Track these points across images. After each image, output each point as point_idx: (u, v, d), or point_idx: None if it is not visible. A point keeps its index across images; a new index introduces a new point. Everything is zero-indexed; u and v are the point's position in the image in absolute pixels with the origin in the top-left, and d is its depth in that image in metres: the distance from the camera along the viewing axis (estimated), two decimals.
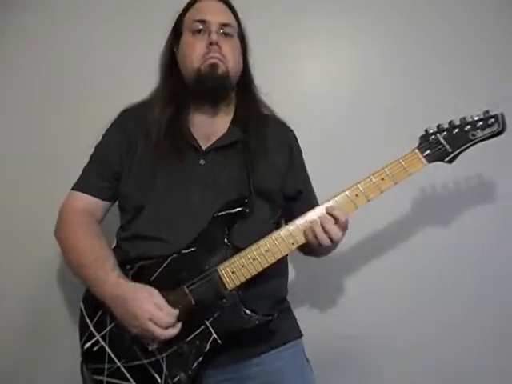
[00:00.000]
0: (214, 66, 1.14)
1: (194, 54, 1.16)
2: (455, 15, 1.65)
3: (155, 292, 1.05)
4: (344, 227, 1.07)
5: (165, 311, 1.03)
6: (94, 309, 1.12)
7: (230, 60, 1.16)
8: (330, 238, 1.04)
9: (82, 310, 1.15)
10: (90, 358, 1.11)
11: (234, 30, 1.21)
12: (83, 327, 1.13)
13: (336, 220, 1.05)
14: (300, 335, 1.23)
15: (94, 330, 1.11)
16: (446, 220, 1.60)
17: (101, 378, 1.08)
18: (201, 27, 1.17)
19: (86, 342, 1.11)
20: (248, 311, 1.06)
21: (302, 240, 1.08)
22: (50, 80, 1.64)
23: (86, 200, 1.20)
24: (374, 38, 1.67)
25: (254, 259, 1.07)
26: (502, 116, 1.08)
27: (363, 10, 1.67)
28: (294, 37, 1.68)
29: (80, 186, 1.22)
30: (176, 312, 1.05)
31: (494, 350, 1.58)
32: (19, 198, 1.61)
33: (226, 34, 1.18)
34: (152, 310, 1.02)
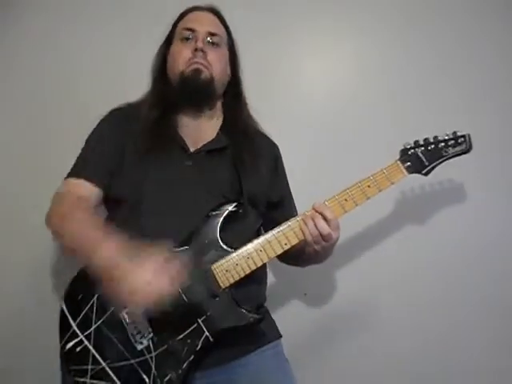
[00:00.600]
0: (197, 71, 1.19)
1: (180, 58, 1.21)
2: (455, 15, 1.65)
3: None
4: (334, 226, 1.10)
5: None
6: (79, 306, 1.09)
7: (215, 68, 1.21)
8: (321, 234, 1.09)
9: (63, 309, 1.10)
10: (72, 359, 1.07)
11: (222, 39, 1.26)
12: (64, 327, 1.09)
13: (323, 216, 1.10)
14: (280, 336, 1.26)
15: (77, 330, 1.07)
16: (447, 219, 1.59)
17: (83, 379, 1.04)
18: (189, 35, 1.23)
19: (67, 343, 1.07)
20: (242, 309, 1.07)
21: (294, 240, 1.11)
22: (49, 80, 1.65)
23: (87, 187, 1.16)
24: (374, 38, 1.67)
25: (247, 258, 1.09)
26: (469, 136, 1.18)
27: (363, 10, 1.67)
28: (294, 37, 1.68)
29: (78, 173, 1.18)
30: None
31: (494, 350, 1.57)
32: (18, 198, 1.60)
33: (213, 43, 1.23)
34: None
